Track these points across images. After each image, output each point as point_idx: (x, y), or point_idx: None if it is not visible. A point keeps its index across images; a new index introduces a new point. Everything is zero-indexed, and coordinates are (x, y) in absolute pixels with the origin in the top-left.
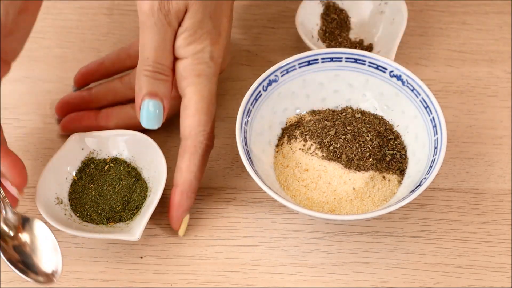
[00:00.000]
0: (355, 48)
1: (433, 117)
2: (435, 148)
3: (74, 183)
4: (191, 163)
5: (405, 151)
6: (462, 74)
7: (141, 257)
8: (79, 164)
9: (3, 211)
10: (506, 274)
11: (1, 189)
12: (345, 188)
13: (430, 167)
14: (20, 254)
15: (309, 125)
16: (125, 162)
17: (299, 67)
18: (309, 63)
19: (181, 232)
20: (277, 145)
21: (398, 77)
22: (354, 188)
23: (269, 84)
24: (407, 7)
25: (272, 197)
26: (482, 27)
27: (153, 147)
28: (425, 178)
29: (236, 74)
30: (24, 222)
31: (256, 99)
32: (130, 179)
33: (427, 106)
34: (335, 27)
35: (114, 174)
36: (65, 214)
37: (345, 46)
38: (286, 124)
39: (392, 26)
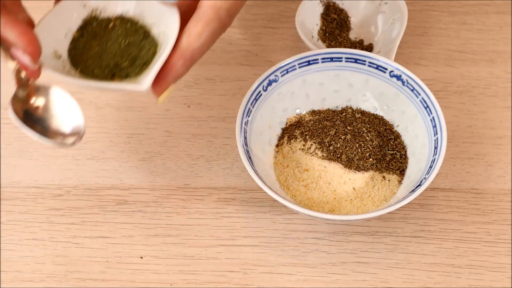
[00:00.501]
0: (355, 48)
1: (433, 117)
2: (435, 148)
3: (75, 41)
4: (204, 31)
5: (405, 151)
6: (462, 74)
7: (141, 257)
8: (80, 22)
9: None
10: (506, 274)
11: (14, 63)
12: (345, 188)
13: (430, 167)
14: (39, 119)
15: (309, 125)
16: (132, 19)
17: (299, 67)
18: (309, 63)
19: (161, 99)
20: (277, 145)
21: (398, 77)
22: (354, 188)
23: (269, 84)
24: (407, 7)
25: (272, 197)
26: (482, 27)
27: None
28: (425, 178)
29: (236, 74)
30: (39, 90)
31: (256, 99)
32: (138, 36)
33: (427, 106)
34: (335, 27)
35: (119, 32)
36: (64, 69)
37: (345, 46)
38: (286, 124)
39: (392, 26)
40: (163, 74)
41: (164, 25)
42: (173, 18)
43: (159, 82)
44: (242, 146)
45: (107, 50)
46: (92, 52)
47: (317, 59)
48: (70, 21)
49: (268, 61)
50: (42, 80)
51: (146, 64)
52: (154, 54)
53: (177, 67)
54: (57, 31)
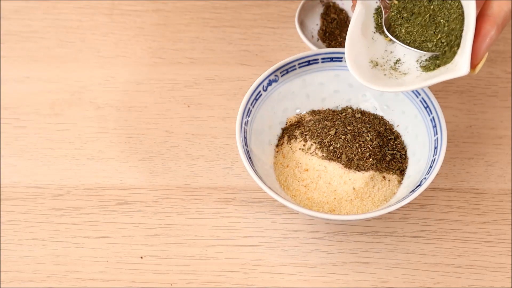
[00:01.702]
0: None
1: (433, 117)
2: (435, 148)
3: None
4: None
5: (405, 151)
6: None
7: (141, 257)
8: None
9: None
10: (506, 274)
11: None
12: (345, 188)
13: (430, 167)
14: None
15: (309, 125)
16: None
17: (299, 67)
18: (309, 63)
19: (478, 68)
20: (277, 145)
21: None
22: (354, 188)
23: (269, 84)
24: None
25: (272, 197)
26: None
27: None
28: (425, 178)
29: (236, 74)
30: None
31: (256, 99)
32: None
33: (427, 106)
34: (335, 27)
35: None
36: (384, 75)
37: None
38: (286, 124)
39: None
40: (476, 45)
41: None
42: None
43: (475, 51)
44: (242, 146)
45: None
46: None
47: (317, 59)
48: (369, 21)
49: (268, 61)
50: None
51: (453, 33)
52: (459, 21)
53: (491, 35)
54: (365, 37)
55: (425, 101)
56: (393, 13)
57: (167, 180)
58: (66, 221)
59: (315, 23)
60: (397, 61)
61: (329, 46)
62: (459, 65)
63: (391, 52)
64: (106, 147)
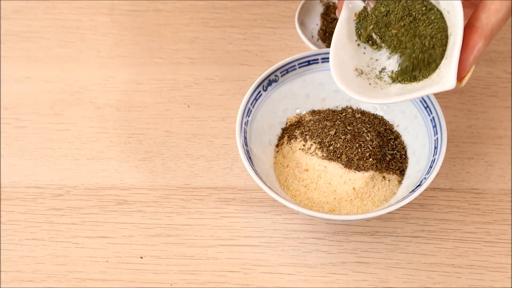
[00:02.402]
0: None
1: (433, 117)
2: (435, 148)
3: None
4: (502, 6)
5: (405, 151)
6: None
7: (141, 257)
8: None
9: None
10: (506, 274)
11: None
12: (345, 188)
13: (430, 167)
14: None
15: (309, 125)
16: None
17: (299, 67)
18: (309, 63)
19: (464, 81)
20: (277, 145)
21: None
22: (354, 188)
23: (269, 84)
24: None
25: (272, 197)
26: None
27: None
28: (425, 178)
29: (236, 74)
30: None
31: (256, 99)
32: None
33: (427, 106)
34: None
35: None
36: (369, 84)
37: None
38: (286, 124)
39: None
40: (463, 57)
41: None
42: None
43: (462, 63)
44: (242, 146)
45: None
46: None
47: (317, 59)
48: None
49: (268, 61)
50: None
51: (436, 45)
52: (442, 32)
53: (478, 47)
54: (351, 44)
55: (425, 101)
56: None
57: (167, 180)
58: (66, 221)
59: (315, 23)
60: (382, 69)
61: (329, 46)
62: (446, 78)
63: (376, 60)
64: (106, 147)
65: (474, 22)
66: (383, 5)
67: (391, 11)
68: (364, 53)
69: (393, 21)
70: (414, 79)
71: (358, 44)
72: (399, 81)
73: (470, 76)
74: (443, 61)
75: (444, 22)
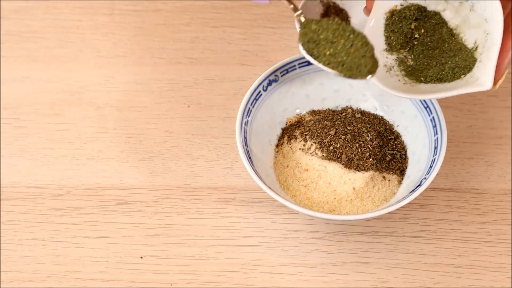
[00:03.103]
0: None
1: (433, 117)
2: (435, 148)
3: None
4: None
5: (405, 151)
6: None
7: (141, 257)
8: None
9: None
10: (506, 274)
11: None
12: (345, 188)
13: (430, 167)
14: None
15: (309, 125)
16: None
17: (299, 67)
18: (309, 63)
19: (498, 84)
20: (277, 145)
21: None
22: (354, 188)
23: (269, 84)
24: None
25: (272, 197)
26: None
27: None
28: (425, 178)
29: (236, 74)
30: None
31: (256, 99)
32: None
33: (427, 106)
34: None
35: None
36: (399, 81)
37: None
38: (286, 124)
39: None
40: (499, 61)
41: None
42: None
43: (496, 69)
44: (242, 146)
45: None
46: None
47: None
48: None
49: (268, 61)
50: None
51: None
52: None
53: None
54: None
55: (425, 101)
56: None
57: (167, 180)
58: (66, 221)
59: None
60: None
61: None
62: (482, 80)
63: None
64: (106, 147)
65: (509, 27)
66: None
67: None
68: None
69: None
70: (441, 80)
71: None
72: (428, 82)
73: (503, 79)
74: (477, 64)
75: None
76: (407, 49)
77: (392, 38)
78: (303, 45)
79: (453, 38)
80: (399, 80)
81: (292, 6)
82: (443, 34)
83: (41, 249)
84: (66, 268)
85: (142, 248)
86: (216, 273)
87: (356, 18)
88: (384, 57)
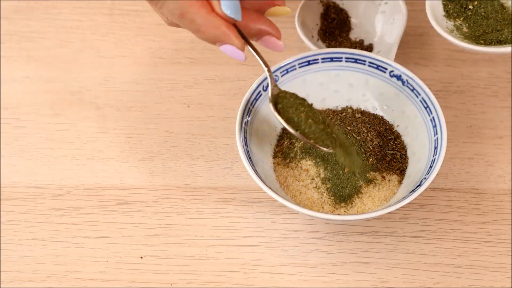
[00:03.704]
0: (355, 48)
1: (433, 117)
2: (435, 148)
3: None
4: None
5: (405, 151)
6: (462, 74)
7: (141, 257)
8: None
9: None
10: (506, 274)
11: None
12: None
13: (430, 167)
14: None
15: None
16: None
17: (299, 67)
18: (309, 63)
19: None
20: (277, 145)
21: (398, 77)
22: (354, 188)
23: None
24: (407, 7)
25: (272, 197)
26: None
27: None
28: (425, 178)
29: (236, 74)
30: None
31: (256, 99)
32: None
33: (427, 106)
34: (335, 27)
35: None
36: (462, 41)
37: (345, 46)
38: None
39: (392, 26)
40: None
41: None
42: None
43: None
44: (242, 146)
45: None
46: None
47: (317, 59)
48: None
49: (268, 61)
50: None
51: None
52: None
53: None
54: None
55: (425, 101)
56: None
57: (167, 180)
58: (66, 221)
59: (315, 23)
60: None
61: (329, 46)
62: None
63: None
64: (106, 147)
65: None
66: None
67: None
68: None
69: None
70: (501, 43)
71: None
72: (488, 44)
73: None
74: None
75: None
76: (461, 18)
77: (449, 6)
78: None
79: (504, 10)
80: (462, 41)
81: (263, 63)
82: (495, 5)
83: (41, 249)
84: (66, 268)
85: (142, 248)
86: (216, 273)
87: (356, 18)
88: (444, 22)
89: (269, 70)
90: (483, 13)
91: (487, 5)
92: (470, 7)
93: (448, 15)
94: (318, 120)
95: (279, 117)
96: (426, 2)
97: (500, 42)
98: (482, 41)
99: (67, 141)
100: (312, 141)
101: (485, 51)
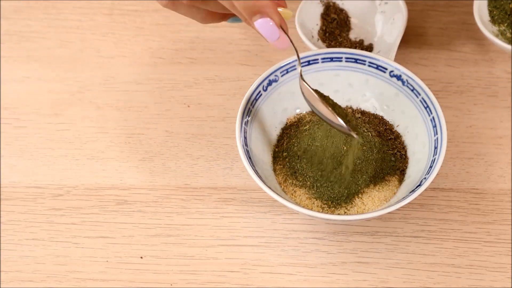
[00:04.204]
0: (355, 48)
1: (433, 117)
2: (435, 148)
3: None
4: None
5: (405, 151)
6: (462, 74)
7: (141, 257)
8: None
9: None
10: (506, 274)
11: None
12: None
13: (430, 167)
14: None
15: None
16: None
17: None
18: (309, 63)
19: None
20: (277, 145)
21: (398, 77)
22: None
23: (269, 84)
24: (407, 7)
25: (272, 197)
26: None
27: None
28: (425, 178)
29: (236, 74)
30: None
31: (256, 99)
32: None
33: (427, 106)
34: (335, 27)
35: None
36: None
37: (345, 46)
38: (286, 124)
39: (392, 26)
40: None
41: None
42: None
43: None
44: (242, 146)
45: None
46: None
47: (317, 59)
48: None
49: (268, 61)
50: None
51: None
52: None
53: None
54: None
55: (425, 101)
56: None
57: (167, 180)
58: (66, 221)
59: (315, 23)
60: None
61: (329, 46)
62: None
63: None
64: (106, 147)
65: None
66: None
67: None
68: None
69: None
70: None
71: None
72: None
73: None
74: None
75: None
76: (505, 24)
77: (494, 12)
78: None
79: None
80: (508, 44)
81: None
82: None
83: (41, 249)
84: (66, 268)
85: (142, 248)
86: (216, 273)
87: (356, 18)
88: (490, 27)
89: (296, 51)
90: None
91: None
92: None
93: (493, 20)
94: (343, 111)
95: (311, 91)
96: (474, 7)
97: None
98: None
99: (67, 141)
100: (342, 120)
101: None
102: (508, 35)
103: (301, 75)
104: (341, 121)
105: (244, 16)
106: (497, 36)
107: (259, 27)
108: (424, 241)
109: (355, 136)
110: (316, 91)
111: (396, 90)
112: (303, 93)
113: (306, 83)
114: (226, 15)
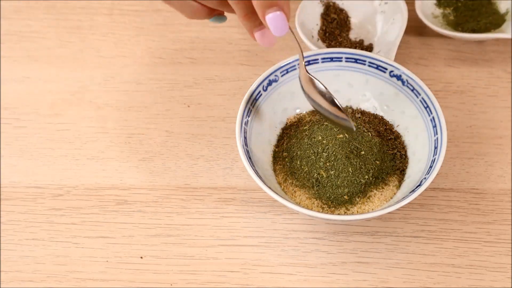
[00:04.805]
0: (355, 48)
1: (433, 117)
2: (435, 148)
3: None
4: None
5: (405, 151)
6: (462, 74)
7: (141, 257)
8: None
9: None
10: (506, 274)
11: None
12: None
13: (430, 167)
14: None
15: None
16: None
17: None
18: (309, 63)
19: None
20: (277, 145)
21: (398, 77)
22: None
23: (269, 84)
24: (407, 7)
25: (272, 197)
26: None
27: None
28: (425, 178)
29: (236, 74)
30: None
31: (256, 99)
32: None
33: (427, 106)
34: (335, 27)
35: None
36: (441, 26)
37: (345, 46)
38: (286, 124)
39: (392, 26)
40: None
41: None
42: None
43: None
44: (242, 146)
45: None
46: None
47: (317, 59)
48: None
49: (268, 61)
50: None
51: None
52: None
53: None
54: None
55: (425, 101)
56: None
57: (167, 180)
58: (66, 221)
59: (315, 23)
60: None
61: (329, 46)
62: (507, 31)
63: None
64: (106, 147)
65: None
66: None
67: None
68: None
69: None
70: (474, 31)
71: None
72: (464, 31)
73: None
74: (505, 23)
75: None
76: (451, 8)
77: None
78: None
79: (489, 5)
80: (441, 26)
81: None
82: (483, 0)
83: (41, 249)
84: (66, 268)
85: (142, 248)
86: (216, 273)
87: (356, 18)
88: (433, 9)
89: (298, 43)
90: (470, 6)
91: None
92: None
93: (439, 3)
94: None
95: (319, 83)
96: None
97: (473, 31)
98: (460, 28)
99: (67, 141)
100: (344, 114)
101: (452, 35)
102: (451, 17)
103: (303, 65)
104: (340, 106)
105: (260, 8)
106: (436, 17)
107: (272, 20)
108: (424, 241)
109: (353, 127)
110: (317, 79)
111: (396, 90)
112: (302, 86)
113: (309, 73)
114: (213, 12)
